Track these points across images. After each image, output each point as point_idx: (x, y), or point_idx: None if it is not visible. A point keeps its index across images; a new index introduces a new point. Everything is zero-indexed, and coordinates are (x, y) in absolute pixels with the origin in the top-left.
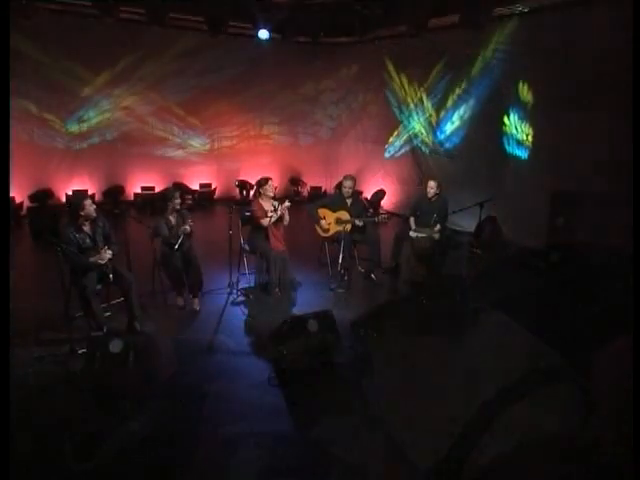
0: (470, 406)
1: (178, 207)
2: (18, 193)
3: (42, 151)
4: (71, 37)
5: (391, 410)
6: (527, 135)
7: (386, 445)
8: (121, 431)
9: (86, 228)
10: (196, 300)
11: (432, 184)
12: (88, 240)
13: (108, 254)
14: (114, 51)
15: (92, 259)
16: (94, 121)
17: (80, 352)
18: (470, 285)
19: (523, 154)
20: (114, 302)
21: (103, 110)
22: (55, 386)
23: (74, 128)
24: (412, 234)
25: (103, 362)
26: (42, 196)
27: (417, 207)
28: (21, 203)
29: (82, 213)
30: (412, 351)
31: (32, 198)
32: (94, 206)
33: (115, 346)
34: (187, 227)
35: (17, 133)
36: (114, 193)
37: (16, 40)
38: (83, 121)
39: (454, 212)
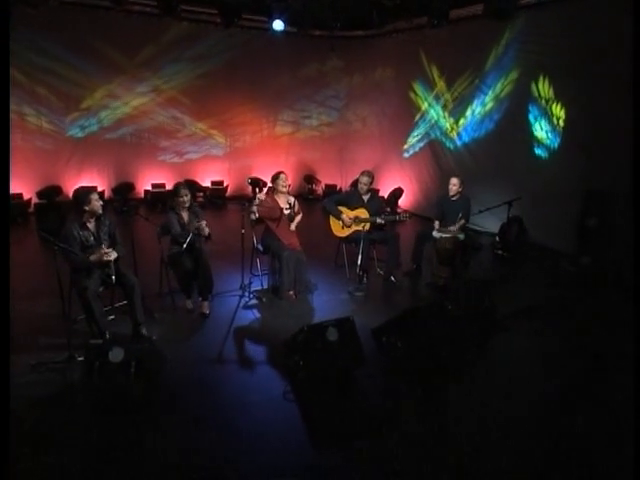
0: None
1: (187, 204)
2: (26, 189)
3: (51, 147)
4: (79, 28)
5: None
6: (555, 130)
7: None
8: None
9: (91, 225)
10: (205, 303)
11: (455, 181)
12: (92, 238)
13: (112, 254)
14: (124, 45)
15: (92, 257)
16: (104, 117)
17: (79, 359)
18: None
19: (551, 150)
20: (118, 305)
21: (113, 106)
22: (52, 397)
23: (84, 124)
24: (435, 234)
25: (102, 372)
26: (50, 193)
27: (440, 207)
28: (29, 199)
29: (87, 208)
30: (439, 361)
31: (40, 194)
32: (101, 202)
33: (115, 355)
34: (204, 226)
35: (26, 130)
36: (124, 190)
37: (24, 31)
38: (93, 117)
39: (480, 211)
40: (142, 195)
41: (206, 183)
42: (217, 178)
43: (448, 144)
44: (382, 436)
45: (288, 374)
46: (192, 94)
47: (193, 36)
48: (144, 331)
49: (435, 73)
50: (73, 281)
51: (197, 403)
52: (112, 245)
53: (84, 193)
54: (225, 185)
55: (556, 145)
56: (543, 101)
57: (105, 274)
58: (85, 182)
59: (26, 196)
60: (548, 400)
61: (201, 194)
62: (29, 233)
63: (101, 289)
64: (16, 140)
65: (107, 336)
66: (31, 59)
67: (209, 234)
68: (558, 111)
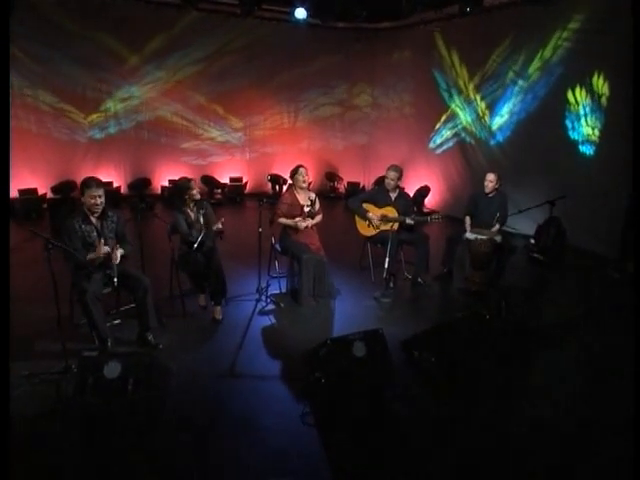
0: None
1: (197, 198)
2: (41, 184)
3: (68, 142)
4: (98, 19)
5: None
6: (593, 129)
7: None
8: None
9: (95, 220)
10: (218, 308)
11: (491, 177)
12: (95, 234)
13: (116, 253)
14: (142, 36)
15: (90, 255)
16: (121, 110)
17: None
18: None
19: (593, 147)
20: (124, 308)
21: (130, 99)
22: (41, 416)
23: (100, 118)
24: (469, 236)
25: (96, 390)
26: (65, 188)
27: (474, 205)
28: (44, 195)
29: (83, 200)
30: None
31: (55, 190)
32: (100, 199)
33: (111, 370)
34: (220, 225)
35: (42, 124)
36: (140, 186)
37: (37, 19)
38: (109, 110)
39: (520, 211)
40: (159, 191)
41: (224, 179)
42: (236, 174)
43: (479, 132)
44: (415, 466)
45: (308, 393)
46: (210, 88)
47: (211, 28)
48: (150, 338)
49: (464, 65)
50: (74, 283)
51: (203, 427)
52: (120, 243)
53: (82, 184)
54: (244, 182)
55: (598, 131)
56: (580, 107)
57: (107, 276)
58: (101, 177)
59: (41, 191)
60: (598, 422)
61: (219, 191)
62: (43, 230)
63: (105, 291)
64: (32, 134)
65: (109, 343)
66: (46, 50)
67: (222, 229)
68: (600, 87)
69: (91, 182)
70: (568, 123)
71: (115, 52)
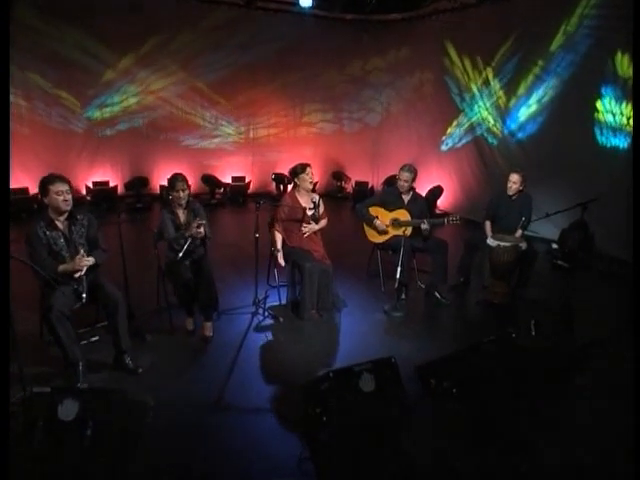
0: None
1: (184, 200)
2: (32, 184)
3: (61, 138)
4: (95, 11)
5: None
6: (628, 119)
7: None
8: None
9: (61, 224)
10: (208, 324)
11: (515, 178)
12: (62, 240)
13: (86, 261)
14: (142, 28)
15: (61, 267)
16: (118, 106)
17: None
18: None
19: (622, 144)
20: (101, 324)
21: (128, 94)
22: None
23: (96, 113)
24: (491, 242)
25: (48, 435)
26: None
27: (495, 207)
28: (35, 195)
29: (46, 201)
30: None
31: None
32: (66, 196)
33: (66, 411)
34: (200, 230)
35: (34, 119)
36: (137, 185)
37: (32, 14)
38: (106, 106)
39: (548, 215)
40: (157, 191)
41: (227, 179)
42: (238, 173)
43: (495, 139)
44: None
45: (306, 432)
46: (212, 82)
47: (214, 20)
48: (128, 361)
49: (481, 57)
50: (43, 296)
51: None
52: (90, 250)
53: (42, 182)
54: (247, 181)
55: (627, 140)
56: (619, 82)
57: (75, 291)
58: (97, 176)
59: (32, 191)
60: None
61: (220, 190)
62: None
63: (76, 306)
64: (24, 130)
65: (80, 367)
66: (39, 42)
67: (206, 234)
68: (625, 68)
69: (53, 177)
70: (597, 130)
71: (114, 47)
